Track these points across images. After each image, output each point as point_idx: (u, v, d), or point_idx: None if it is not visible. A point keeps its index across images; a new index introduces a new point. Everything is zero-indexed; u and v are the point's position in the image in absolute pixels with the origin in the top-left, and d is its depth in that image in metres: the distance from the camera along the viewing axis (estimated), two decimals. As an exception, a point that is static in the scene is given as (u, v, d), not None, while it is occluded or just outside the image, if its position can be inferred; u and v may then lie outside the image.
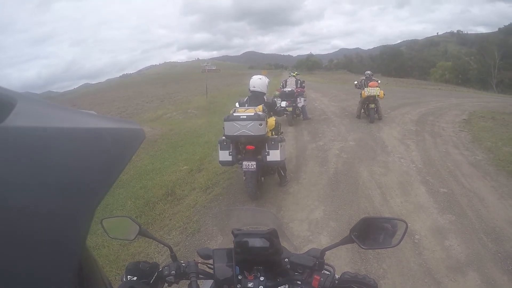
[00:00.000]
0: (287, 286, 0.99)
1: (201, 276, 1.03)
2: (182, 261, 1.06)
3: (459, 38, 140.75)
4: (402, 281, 2.78)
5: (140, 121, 12.80)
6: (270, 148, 4.10)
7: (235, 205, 4.30)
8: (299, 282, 0.97)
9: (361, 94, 9.11)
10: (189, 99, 19.99)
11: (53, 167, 0.30)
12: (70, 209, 0.30)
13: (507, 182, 4.63)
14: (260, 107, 4.33)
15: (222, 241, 1.17)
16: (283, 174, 4.81)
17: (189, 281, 1.00)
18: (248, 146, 4.17)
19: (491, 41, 51.31)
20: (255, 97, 4.66)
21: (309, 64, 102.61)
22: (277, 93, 9.30)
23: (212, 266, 1.01)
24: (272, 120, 4.55)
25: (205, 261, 1.08)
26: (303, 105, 9.57)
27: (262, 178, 4.58)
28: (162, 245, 1.16)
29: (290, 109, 8.91)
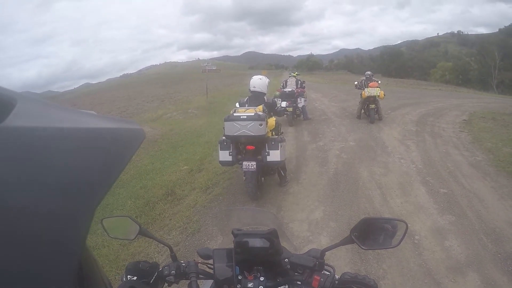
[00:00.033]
0: (287, 286, 0.99)
1: (201, 276, 1.03)
2: (182, 261, 1.06)
3: (460, 38, 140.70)
4: (402, 282, 2.78)
5: (141, 121, 12.80)
6: (270, 148, 4.10)
7: (235, 205, 4.30)
8: (299, 283, 0.96)
9: (361, 94, 9.11)
10: (189, 99, 19.99)
11: (53, 167, 0.30)
12: (70, 209, 0.30)
13: (507, 183, 4.63)
14: (260, 107, 4.33)
15: (222, 241, 1.17)
16: (283, 174, 4.81)
17: (189, 281, 1.00)
18: (248, 146, 4.17)
19: (492, 42, 51.31)
20: (256, 97, 4.66)
21: (310, 65, 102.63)
22: (277, 93, 9.29)
23: (212, 266, 1.01)
24: (272, 120, 4.55)
25: (205, 261, 1.08)
26: (303, 106, 9.56)
27: (262, 178, 4.58)
28: (162, 245, 1.16)
29: (291, 109, 8.90)
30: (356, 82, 10.04)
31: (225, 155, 4.25)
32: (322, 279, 0.93)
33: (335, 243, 0.98)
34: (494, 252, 3.09)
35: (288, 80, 9.91)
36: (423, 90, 24.86)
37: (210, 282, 1.03)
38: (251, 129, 3.95)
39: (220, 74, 30.00)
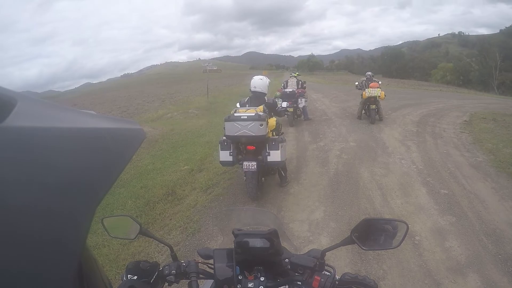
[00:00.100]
0: (287, 286, 0.99)
1: (202, 276, 1.03)
2: (183, 261, 1.06)
3: (461, 39, 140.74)
4: (402, 282, 2.78)
5: (141, 120, 12.82)
6: (270, 149, 4.10)
7: (235, 205, 4.30)
8: (299, 283, 0.96)
9: (362, 95, 9.10)
10: (190, 99, 20.02)
11: (53, 167, 0.30)
12: (70, 209, 0.30)
13: (507, 184, 4.62)
14: (261, 107, 4.33)
15: (223, 241, 1.17)
16: (283, 174, 4.81)
17: (189, 280, 1.00)
18: (248, 147, 4.17)
19: (493, 43, 51.35)
20: (256, 98, 4.66)
21: (310, 65, 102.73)
22: (278, 93, 9.30)
23: (212, 266, 1.01)
24: (272, 121, 4.55)
25: (206, 261, 1.08)
26: (304, 106, 9.57)
27: (263, 179, 4.58)
28: (163, 245, 1.16)
29: (291, 109, 8.90)
30: (356, 83, 10.04)
31: (225, 155, 4.25)
32: (322, 280, 0.93)
33: (336, 243, 0.98)
34: (495, 253, 3.09)
35: (289, 81, 9.92)
36: (424, 90, 24.87)
37: (211, 282, 1.03)
38: (251, 129, 3.95)
39: (221, 74, 30.04)
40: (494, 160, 5.57)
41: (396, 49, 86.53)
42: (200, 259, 1.08)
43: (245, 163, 4.12)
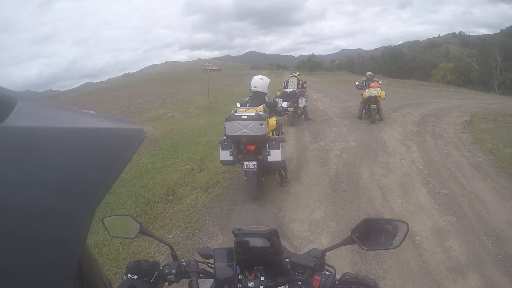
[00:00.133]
0: (287, 286, 0.99)
1: (202, 275, 1.03)
2: (183, 260, 1.06)
3: (461, 39, 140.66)
4: (402, 282, 2.78)
5: (142, 120, 12.83)
6: (271, 148, 4.10)
7: (236, 205, 4.30)
8: (299, 283, 0.96)
9: (362, 95, 9.10)
10: (190, 99, 20.02)
11: (53, 167, 0.30)
12: (70, 209, 0.30)
13: (508, 184, 4.62)
14: (261, 107, 4.33)
15: (223, 241, 1.17)
16: (283, 174, 4.81)
17: (189, 280, 1.00)
18: (249, 146, 4.17)
19: (493, 43, 51.33)
20: (257, 97, 4.66)
21: (311, 65, 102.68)
22: (278, 93, 9.30)
23: (212, 266, 1.01)
24: (273, 120, 4.55)
25: (206, 261, 1.08)
26: (304, 106, 9.56)
27: (263, 178, 4.58)
28: (163, 244, 1.16)
29: (292, 109, 8.90)
30: (357, 83, 10.04)
31: (226, 155, 4.26)
32: (322, 279, 0.93)
33: (336, 243, 0.98)
34: (495, 253, 3.09)
35: (289, 80, 9.92)
36: (424, 90, 24.86)
37: (211, 281, 1.03)
38: (252, 129, 3.95)
39: (222, 74, 30.04)
40: (494, 160, 5.56)
41: (396, 49, 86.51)
42: (200, 259, 1.08)
43: (245, 162, 4.12)
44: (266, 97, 4.75)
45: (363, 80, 9.61)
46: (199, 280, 1.01)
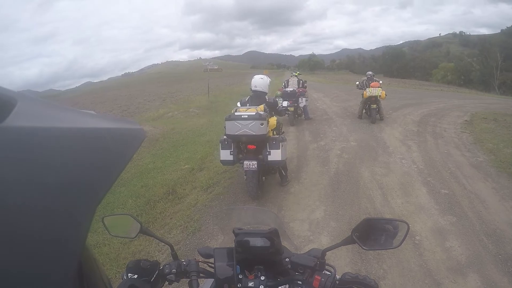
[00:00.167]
0: (287, 286, 0.99)
1: (202, 275, 1.03)
2: (183, 260, 1.06)
3: (462, 39, 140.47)
4: (402, 282, 2.78)
5: (142, 119, 12.83)
6: (271, 148, 4.10)
7: (236, 204, 4.30)
8: (299, 282, 0.96)
9: (362, 94, 9.09)
10: (191, 98, 20.02)
11: (53, 166, 0.30)
12: (70, 209, 0.30)
13: (508, 184, 4.61)
14: (262, 106, 4.32)
15: (223, 240, 1.17)
16: (284, 174, 4.81)
17: (189, 279, 1.00)
18: (249, 146, 4.17)
19: (494, 43, 51.31)
20: (257, 97, 4.66)
21: (311, 64, 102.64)
22: (279, 92, 9.29)
23: (212, 265, 1.01)
24: (273, 120, 4.55)
25: (206, 260, 1.08)
26: (304, 105, 9.55)
27: (263, 178, 4.57)
28: (163, 244, 1.16)
29: (292, 109, 8.90)
30: (357, 82, 10.03)
31: (226, 154, 4.25)
32: (323, 279, 0.93)
33: (336, 243, 0.97)
34: (495, 253, 3.09)
35: (289, 80, 9.92)
36: (425, 90, 24.85)
37: (211, 281, 1.03)
38: (252, 129, 3.95)
39: (222, 74, 30.04)
40: (494, 160, 5.56)
41: (397, 49, 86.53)
42: (200, 258, 1.08)
43: (245, 162, 4.12)
44: (266, 97, 4.74)
45: (364, 80, 9.60)
46: (199, 280, 1.01)
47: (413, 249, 3.20)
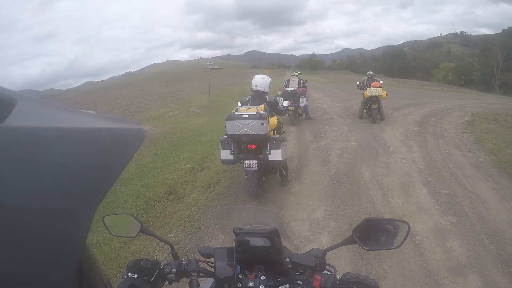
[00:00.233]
0: (288, 285, 0.99)
1: (202, 274, 1.03)
2: (183, 259, 1.06)
3: (463, 39, 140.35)
4: (402, 282, 2.78)
5: (142, 119, 12.83)
6: (271, 148, 4.10)
7: (236, 204, 4.30)
8: (300, 282, 0.96)
9: (363, 94, 9.09)
10: (191, 98, 20.02)
11: (53, 166, 0.30)
12: (70, 209, 0.30)
13: (509, 184, 4.61)
14: (262, 106, 4.32)
15: (223, 240, 1.17)
16: (284, 173, 4.81)
17: (189, 279, 1.00)
18: (249, 145, 4.17)
19: (495, 43, 51.24)
20: (257, 97, 4.66)
21: (312, 64, 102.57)
22: (279, 92, 9.30)
23: (213, 265, 1.01)
24: (274, 120, 4.55)
25: (206, 260, 1.08)
26: (305, 105, 9.55)
27: (264, 178, 4.58)
28: (163, 243, 1.16)
29: (292, 108, 8.90)
30: (358, 82, 10.03)
31: (226, 154, 4.25)
32: (323, 279, 0.93)
33: (337, 243, 0.97)
34: (495, 254, 3.08)
35: (290, 80, 9.92)
36: (426, 90, 24.83)
37: (211, 280, 1.03)
38: (252, 128, 3.95)
39: (223, 73, 30.03)
40: (495, 161, 5.56)
41: (398, 49, 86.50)
42: (200, 258, 1.08)
43: (246, 162, 4.12)
44: (267, 96, 4.74)
45: (364, 80, 9.60)
46: (199, 279, 1.01)
47: (414, 249, 3.19)
